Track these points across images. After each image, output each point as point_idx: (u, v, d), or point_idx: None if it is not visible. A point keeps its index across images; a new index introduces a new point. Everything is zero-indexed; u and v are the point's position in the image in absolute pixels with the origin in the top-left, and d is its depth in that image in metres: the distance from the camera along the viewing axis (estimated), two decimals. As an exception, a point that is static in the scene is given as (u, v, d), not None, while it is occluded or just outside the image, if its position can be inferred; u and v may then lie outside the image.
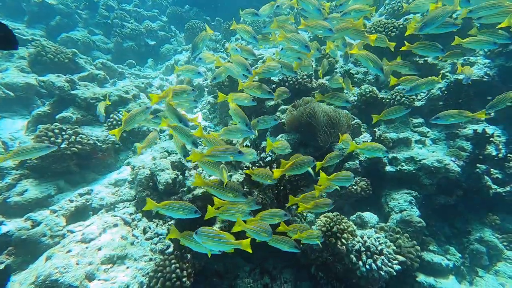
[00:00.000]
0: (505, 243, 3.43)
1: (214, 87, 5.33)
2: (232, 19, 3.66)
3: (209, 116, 5.53)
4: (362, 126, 4.59)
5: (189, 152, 2.18)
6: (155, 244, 2.70)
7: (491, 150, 3.84)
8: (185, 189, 3.02)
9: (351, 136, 4.08)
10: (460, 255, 3.33)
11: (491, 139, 3.72)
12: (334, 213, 3.12)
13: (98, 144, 3.74)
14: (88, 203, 3.10)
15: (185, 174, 3.07)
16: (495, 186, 3.62)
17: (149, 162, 3.26)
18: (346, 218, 3.04)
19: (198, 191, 2.69)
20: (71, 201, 3.03)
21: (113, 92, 4.43)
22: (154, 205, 1.87)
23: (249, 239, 1.79)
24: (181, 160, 3.38)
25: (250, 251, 1.76)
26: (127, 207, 2.97)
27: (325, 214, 3.05)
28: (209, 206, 1.94)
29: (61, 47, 5.36)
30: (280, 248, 2.11)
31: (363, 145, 2.60)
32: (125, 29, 7.51)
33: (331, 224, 2.90)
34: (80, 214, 3.03)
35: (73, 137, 3.53)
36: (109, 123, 4.16)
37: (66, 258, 2.36)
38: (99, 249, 2.49)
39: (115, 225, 2.76)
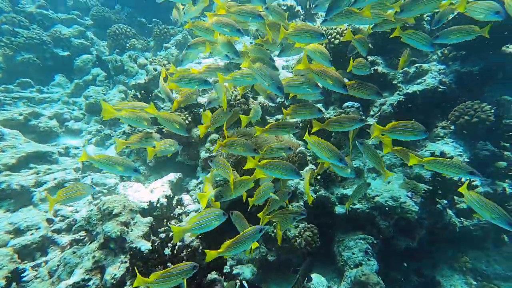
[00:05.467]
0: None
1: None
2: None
3: (125, 150, 4.69)
4: (309, 154, 4.12)
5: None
6: None
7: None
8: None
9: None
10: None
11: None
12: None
13: None
14: None
15: (26, 272, 2.20)
16: (462, 220, 3.29)
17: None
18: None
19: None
20: None
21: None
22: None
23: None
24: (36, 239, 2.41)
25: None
26: None
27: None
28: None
29: None
30: None
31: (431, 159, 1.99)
32: (18, 38, 6.35)
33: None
34: None
35: None
36: None
37: None
38: None
39: None
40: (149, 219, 2.49)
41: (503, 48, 4.13)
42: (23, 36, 6.39)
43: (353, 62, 2.55)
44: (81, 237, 2.20)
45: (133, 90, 5.48)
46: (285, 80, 2.30)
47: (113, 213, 2.17)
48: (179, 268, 1.67)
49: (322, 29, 4.41)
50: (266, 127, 2.47)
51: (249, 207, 2.45)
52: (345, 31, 4.68)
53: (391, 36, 2.33)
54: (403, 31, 2.24)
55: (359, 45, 2.55)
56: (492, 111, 3.54)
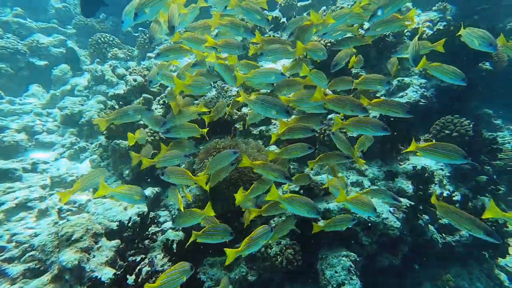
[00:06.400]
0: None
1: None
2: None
3: (101, 164, 4.49)
4: (293, 166, 4.06)
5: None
6: None
7: (434, 188, 3.53)
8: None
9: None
10: None
11: (433, 178, 3.40)
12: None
13: None
14: None
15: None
16: (444, 236, 3.26)
17: None
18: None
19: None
20: None
21: None
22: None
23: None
24: None
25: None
26: None
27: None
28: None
29: None
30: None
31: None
32: (-12, 47, 6.13)
33: None
34: None
35: None
36: None
37: None
38: None
39: None
40: (115, 242, 2.32)
41: (479, 64, 4.25)
42: (-5, 45, 6.17)
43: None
44: (37, 266, 2.01)
45: (113, 100, 5.33)
46: (294, 96, 2.41)
47: (73, 239, 1.99)
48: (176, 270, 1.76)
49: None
50: (282, 131, 2.45)
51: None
52: (328, 44, 4.73)
53: (415, 68, 2.38)
54: (429, 64, 2.16)
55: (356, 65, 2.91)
56: (471, 126, 3.59)
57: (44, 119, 5.37)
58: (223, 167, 2.38)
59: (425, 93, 4.39)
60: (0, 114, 5.13)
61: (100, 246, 2.21)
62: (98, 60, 7.26)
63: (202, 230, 2.09)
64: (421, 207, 2.98)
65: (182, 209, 2.31)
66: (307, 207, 2.02)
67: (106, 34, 8.18)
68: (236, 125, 4.54)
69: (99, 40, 7.85)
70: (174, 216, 2.23)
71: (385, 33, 4.57)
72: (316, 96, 2.13)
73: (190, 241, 2.12)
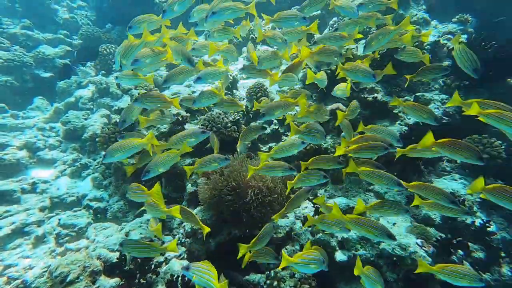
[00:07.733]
0: None
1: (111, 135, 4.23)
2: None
3: (103, 182, 4.32)
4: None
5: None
6: None
7: (465, 217, 3.24)
8: None
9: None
10: None
11: (464, 204, 3.13)
12: None
13: None
14: None
15: None
16: (480, 272, 2.96)
17: None
18: None
19: None
20: None
21: None
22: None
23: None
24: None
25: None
26: None
27: None
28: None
29: None
30: None
31: None
32: (-5, 60, 6.13)
33: None
34: None
35: None
36: None
37: None
38: None
39: None
40: (114, 281, 2.11)
41: (508, 79, 4.02)
42: (1, 58, 6.16)
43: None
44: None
45: (117, 115, 5.21)
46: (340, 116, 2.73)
47: (68, 280, 1.79)
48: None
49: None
50: (352, 148, 2.55)
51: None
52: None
53: (464, 113, 2.11)
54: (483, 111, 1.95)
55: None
56: (503, 147, 3.33)
57: (46, 134, 5.25)
58: (277, 167, 2.47)
59: (447, 110, 4.16)
60: (3, 129, 5.02)
61: (98, 287, 2.00)
62: (103, 72, 7.22)
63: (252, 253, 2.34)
64: (455, 241, 2.71)
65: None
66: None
67: (112, 45, 8.17)
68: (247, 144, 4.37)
69: (105, 52, 7.83)
70: (123, 241, 2.08)
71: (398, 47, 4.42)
72: (426, 143, 2.19)
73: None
